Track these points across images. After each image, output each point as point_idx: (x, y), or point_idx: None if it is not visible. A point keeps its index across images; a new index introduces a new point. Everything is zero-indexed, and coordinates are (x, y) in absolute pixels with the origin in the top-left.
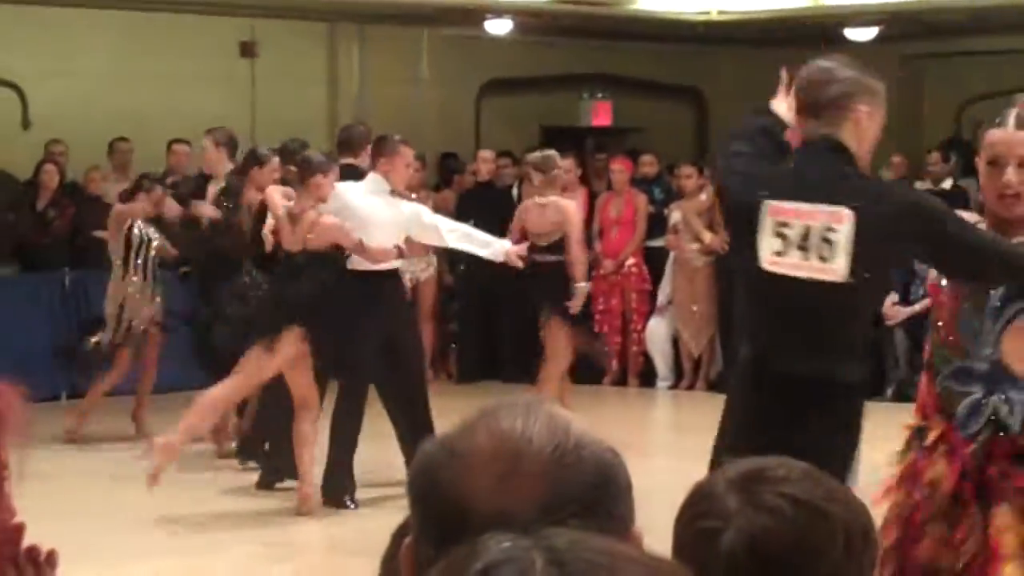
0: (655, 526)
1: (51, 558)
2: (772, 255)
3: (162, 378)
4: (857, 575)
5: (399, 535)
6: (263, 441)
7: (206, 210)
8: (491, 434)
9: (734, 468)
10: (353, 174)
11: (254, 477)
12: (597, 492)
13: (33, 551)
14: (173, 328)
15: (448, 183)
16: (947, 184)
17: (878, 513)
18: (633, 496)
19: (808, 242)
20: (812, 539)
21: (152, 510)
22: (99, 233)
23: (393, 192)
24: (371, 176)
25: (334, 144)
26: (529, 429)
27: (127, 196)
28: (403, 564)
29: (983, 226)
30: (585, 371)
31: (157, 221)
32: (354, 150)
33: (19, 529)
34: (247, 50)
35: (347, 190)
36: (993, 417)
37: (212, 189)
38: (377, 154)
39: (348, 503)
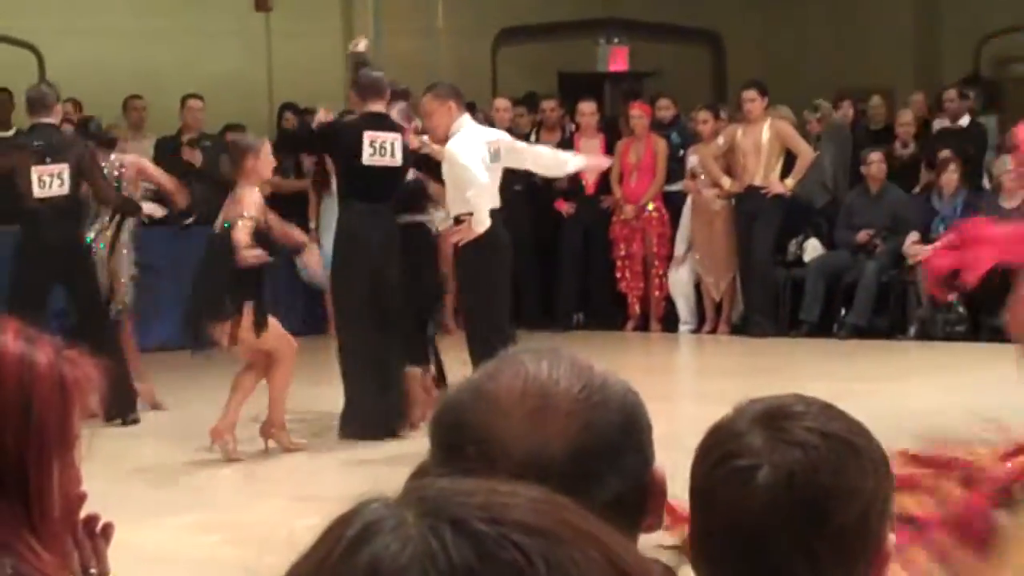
0: (678, 469)
1: (107, 531)
2: None
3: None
4: (882, 509)
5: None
6: None
7: None
8: (518, 376)
9: (752, 407)
10: (379, 120)
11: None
12: (624, 431)
13: (91, 522)
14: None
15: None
16: (964, 121)
17: None
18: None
19: None
20: (846, 472)
21: (176, 466)
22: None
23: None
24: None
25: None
26: (555, 371)
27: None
28: None
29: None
30: (607, 317)
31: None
32: (381, 96)
33: (82, 499)
34: (261, 4)
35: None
36: None
37: None
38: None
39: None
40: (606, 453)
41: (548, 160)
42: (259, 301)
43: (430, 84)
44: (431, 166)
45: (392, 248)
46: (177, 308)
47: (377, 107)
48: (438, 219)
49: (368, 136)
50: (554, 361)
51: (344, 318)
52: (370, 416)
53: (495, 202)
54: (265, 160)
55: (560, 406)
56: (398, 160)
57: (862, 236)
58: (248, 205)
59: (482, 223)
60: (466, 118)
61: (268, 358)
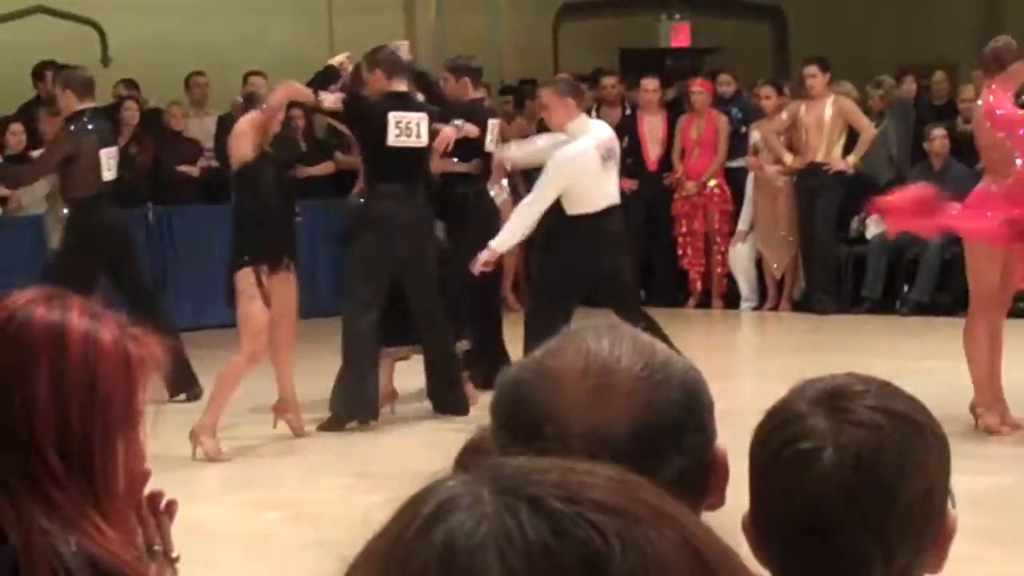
0: (740, 447)
1: (171, 508)
2: None
3: None
4: (944, 485)
5: (464, 460)
6: None
7: None
8: (579, 353)
9: (810, 388)
10: (403, 100)
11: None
12: (686, 409)
13: (155, 499)
14: None
15: (522, 109)
16: None
17: None
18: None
19: None
20: (912, 449)
21: (241, 445)
22: (183, 168)
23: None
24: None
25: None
26: (617, 348)
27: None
28: None
29: None
30: (669, 294)
31: None
32: (404, 75)
33: (146, 476)
34: None
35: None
36: None
37: None
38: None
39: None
40: (668, 431)
41: None
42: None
43: (550, 78)
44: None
45: (422, 230)
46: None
47: (401, 86)
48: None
49: (393, 116)
50: (615, 338)
51: (351, 302)
52: (353, 399)
53: (611, 200)
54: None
55: (622, 384)
56: (424, 140)
57: None
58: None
59: (504, 247)
60: (583, 120)
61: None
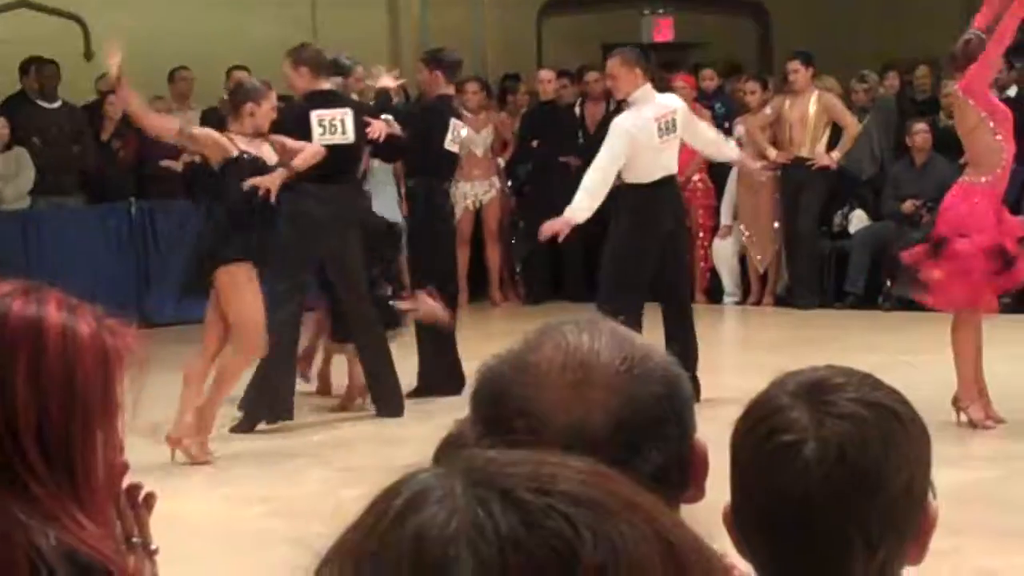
0: (722, 440)
1: (149, 500)
2: None
3: None
4: (925, 476)
5: (443, 454)
6: None
7: None
8: (558, 348)
9: (791, 381)
10: (326, 98)
11: (326, 403)
12: (665, 403)
13: (133, 491)
14: None
15: (503, 104)
16: (1012, 92)
17: None
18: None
19: None
20: (894, 441)
21: (217, 438)
22: (166, 163)
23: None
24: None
25: (395, 66)
26: (596, 343)
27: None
28: None
29: None
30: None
31: None
32: (329, 73)
33: (124, 469)
34: None
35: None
36: None
37: None
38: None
39: None
40: (647, 426)
41: (709, 140)
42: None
43: (618, 49)
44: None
45: (345, 227)
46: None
47: (326, 84)
48: (481, 191)
49: (316, 115)
50: (595, 332)
51: (273, 299)
52: (262, 397)
53: (667, 171)
54: (266, 111)
55: (601, 379)
56: (350, 136)
57: (907, 206)
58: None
59: (580, 211)
60: (647, 89)
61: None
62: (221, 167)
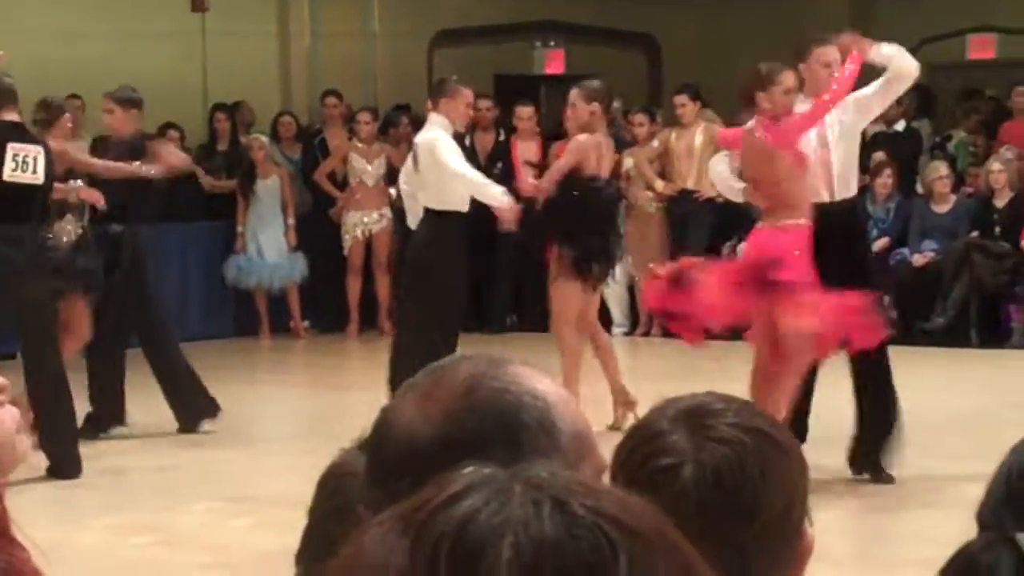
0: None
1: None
2: None
3: None
4: (802, 502)
5: (324, 484)
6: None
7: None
8: (427, 370)
9: (671, 407)
10: (19, 131)
11: (212, 431)
12: (500, 428)
13: None
14: None
15: (386, 135)
16: (900, 126)
17: None
18: (559, 438)
19: None
20: (772, 466)
21: (108, 467)
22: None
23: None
24: (433, 117)
25: (286, 98)
26: (463, 364)
27: None
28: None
29: None
30: (541, 319)
31: None
32: (16, 104)
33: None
34: (198, 4)
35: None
36: None
37: None
38: (438, 96)
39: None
40: (472, 443)
41: None
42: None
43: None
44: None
45: (34, 275)
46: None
47: (12, 116)
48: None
49: (12, 148)
50: (475, 359)
51: None
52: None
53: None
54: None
55: (441, 393)
56: (40, 177)
57: None
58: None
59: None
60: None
61: None
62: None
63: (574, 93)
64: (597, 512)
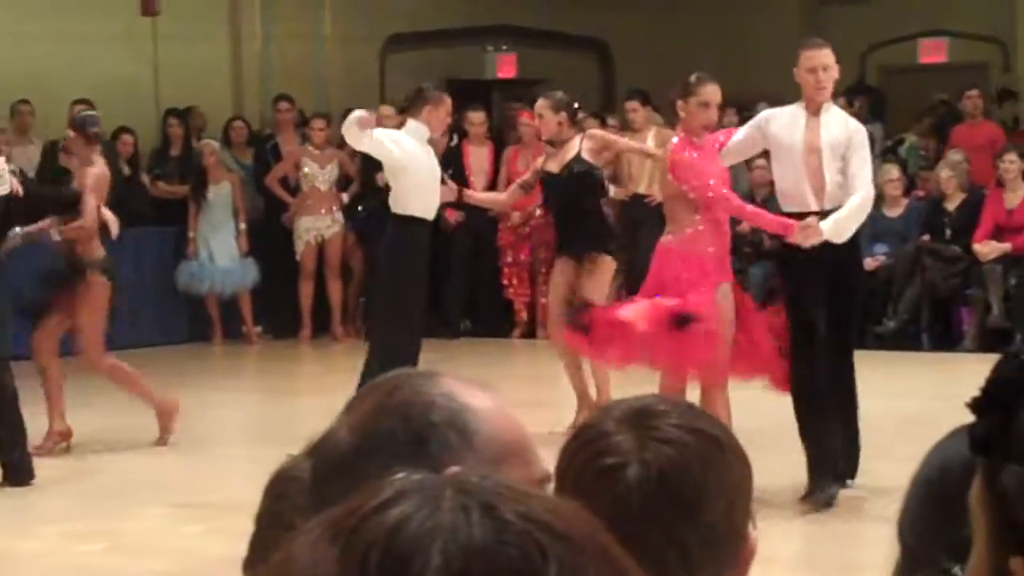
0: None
1: None
2: None
3: None
4: (745, 504)
5: (270, 490)
6: None
7: None
8: (367, 385)
9: (617, 408)
10: None
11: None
12: (407, 427)
13: None
14: None
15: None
16: None
17: None
18: (472, 438)
19: None
20: (716, 467)
21: (60, 474)
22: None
23: (430, 140)
24: (411, 125)
25: (238, 103)
26: (397, 377)
27: None
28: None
29: None
30: (494, 324)
31: None
32: None
33: None
34: (148, 8)
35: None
36: None
37: None
38: (421, 103)
39: None
40: (383, 447)
41: None
42: None
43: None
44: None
45: None
46: None
47: None
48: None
49: None
50: (413, 373)
51: None
52: None
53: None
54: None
55: (361, 397)
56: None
57: (746, 226)
58: None
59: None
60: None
61: None
62: None
63: (540, 104)
64: (527, 517)
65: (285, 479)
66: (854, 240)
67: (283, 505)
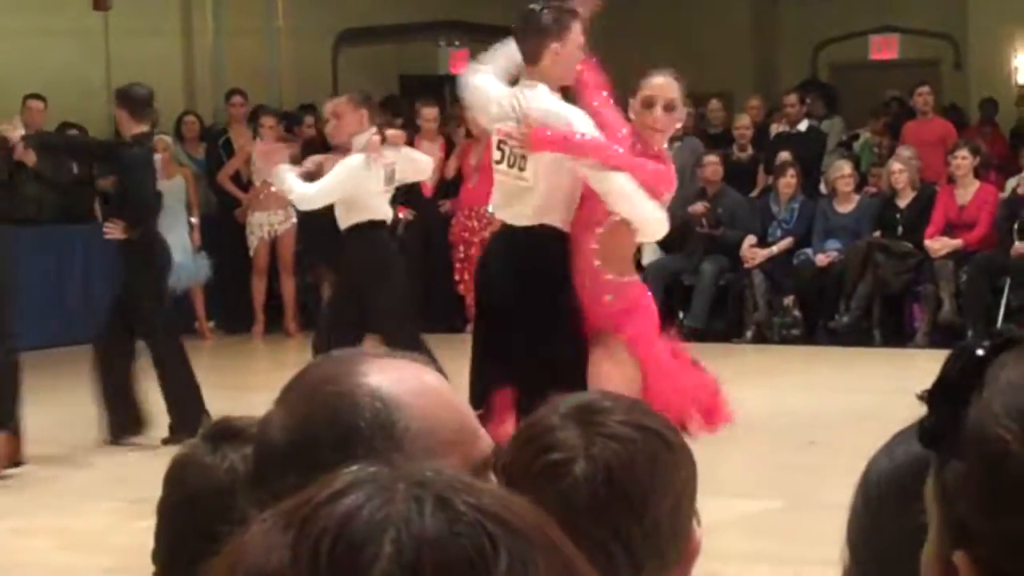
0: None
1: None
2: None
3: None
4: (690, 502)
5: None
6: None
7: None
8: (298, 372)
9: (563, 404)
10: None
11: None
12: (332, 433)
13: None
14: None
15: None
16: (803, 126)
17: None
18: (402, 438)
19: None
20: (661, 464)
21: (13, 470)
22: None
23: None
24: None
25: (190, 97)
26: (320, 366)
27: None
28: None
29: None
30: (446, 319)
31: None
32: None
33: None
34: (100, 2)
35: None
36: None
37: None
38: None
39: None
40: (308, 446)
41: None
42: None
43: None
44: None
45: None
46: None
47: None
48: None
49: None
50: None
51: None
52: None
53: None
54: None
55: (292, 388)
56: None
57: (698, 208)
58: None
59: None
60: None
61: None
62: None
63: None
64: (479, 509)
65: (184, 464)
66: None
67: (185, 491)
